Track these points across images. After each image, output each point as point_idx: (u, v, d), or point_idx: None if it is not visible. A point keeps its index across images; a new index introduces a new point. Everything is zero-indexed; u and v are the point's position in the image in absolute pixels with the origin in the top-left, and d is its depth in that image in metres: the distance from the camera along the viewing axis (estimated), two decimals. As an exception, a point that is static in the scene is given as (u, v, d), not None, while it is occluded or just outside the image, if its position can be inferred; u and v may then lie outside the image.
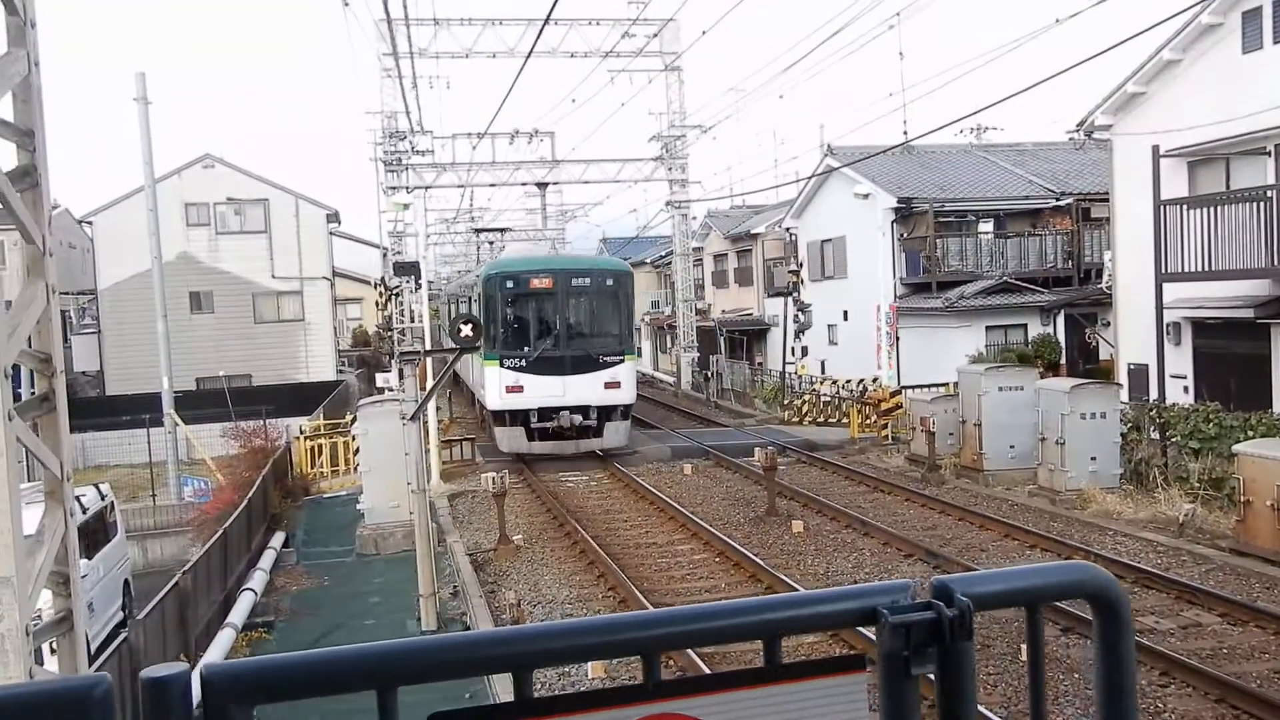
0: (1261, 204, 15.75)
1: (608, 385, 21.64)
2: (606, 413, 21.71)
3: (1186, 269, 16.85)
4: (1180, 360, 18.44)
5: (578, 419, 21.31)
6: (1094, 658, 1.45)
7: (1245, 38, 17.03)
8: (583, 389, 21.43)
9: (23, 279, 3.28)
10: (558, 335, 21.79)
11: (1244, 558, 12.19)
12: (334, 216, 38.07)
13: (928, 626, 1.30)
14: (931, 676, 1.33)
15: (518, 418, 21.59)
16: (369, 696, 1.21)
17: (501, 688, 8.78)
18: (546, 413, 21.32)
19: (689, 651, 9.29)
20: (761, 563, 13.07)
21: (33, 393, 3.52)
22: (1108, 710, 1.42)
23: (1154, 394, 17.74)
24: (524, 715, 1.23)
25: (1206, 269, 16.56)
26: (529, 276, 22.11)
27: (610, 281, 22.56)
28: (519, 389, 21.10)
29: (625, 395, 21.98)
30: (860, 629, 1.89)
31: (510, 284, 22.04)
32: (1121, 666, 1.42)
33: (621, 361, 21.98)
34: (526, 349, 21.43)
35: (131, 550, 17.70)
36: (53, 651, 7.42)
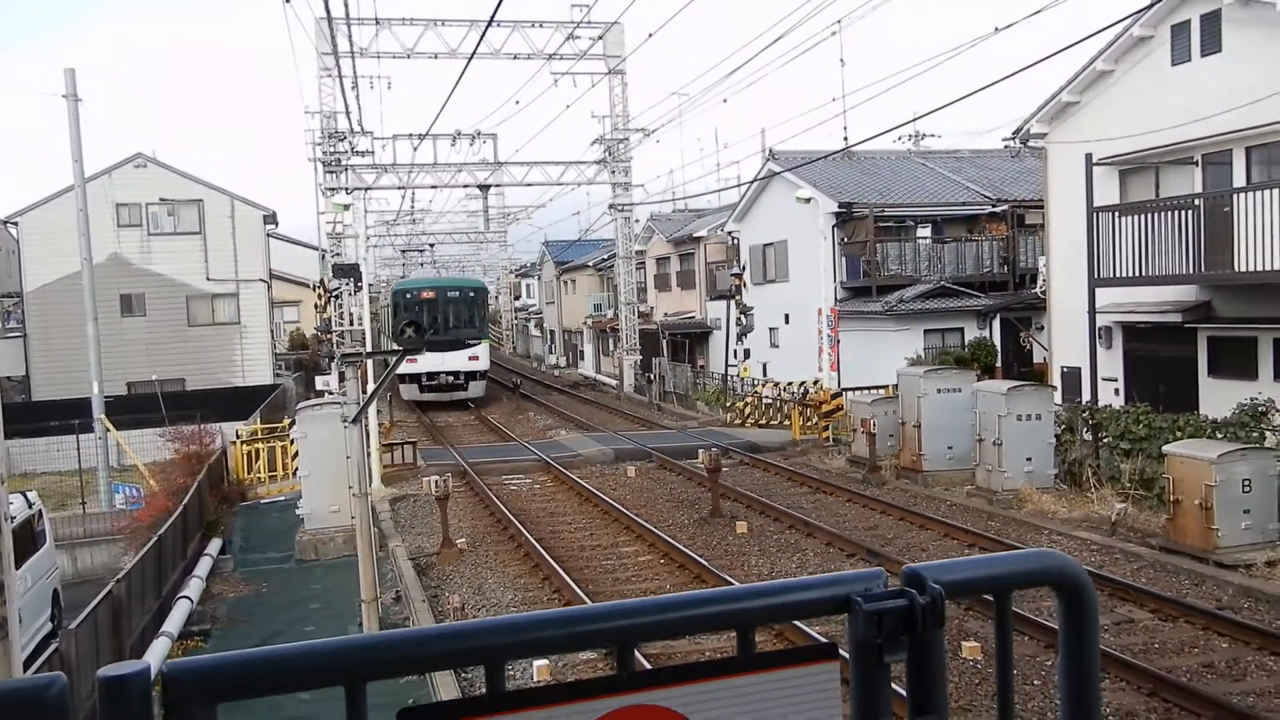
0: (1189, 212, 16.22)
1: (470, 358, 34.77)
2: (470, 375, 35.07)
3: (1118, 274, 17.27)
4: (1112, 363, 18.90)
5: (451, 379, 34.58)
6: (1059, 642, 1.47)
7: (1174, 50, 17.53)
8: (454, 360, 34.23)
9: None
10: (438, 327, 33.79)
11: (1173, 555, 12.52)
12: (271, 218, 37.41)
13: (900, 614, 1.31)
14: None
15: (415, 379, 34.38)
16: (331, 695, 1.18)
17: (445, 693, 8.68)
18: (432, 375, 34.17)
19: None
20: (706, 564, 13.12)
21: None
22: (1072, 693, 1.44)
23: (1087, 396, 18.17)
24: (496, 708, 1.20)
25: (1137, 274, 17.00)
26: (420, 291, 36.88)
27: (471, 294, 36.73)
28: (414, 360, 30.81)
29: (482, 365, 35.50)
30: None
31: (409, 296, 36.36)
32: (1087, 651, 1.44)
33: (479, 343, 35.32)
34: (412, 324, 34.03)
35: (61, 560, 17.19)
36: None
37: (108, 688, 1.10)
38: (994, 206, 29.13)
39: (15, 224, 34.82)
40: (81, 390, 25.71)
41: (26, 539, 14.00)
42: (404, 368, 29.50)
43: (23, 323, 35.03)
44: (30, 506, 14.68)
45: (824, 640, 1.44)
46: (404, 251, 53.01)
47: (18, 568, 12.69)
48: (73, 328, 28.49)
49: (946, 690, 1.38)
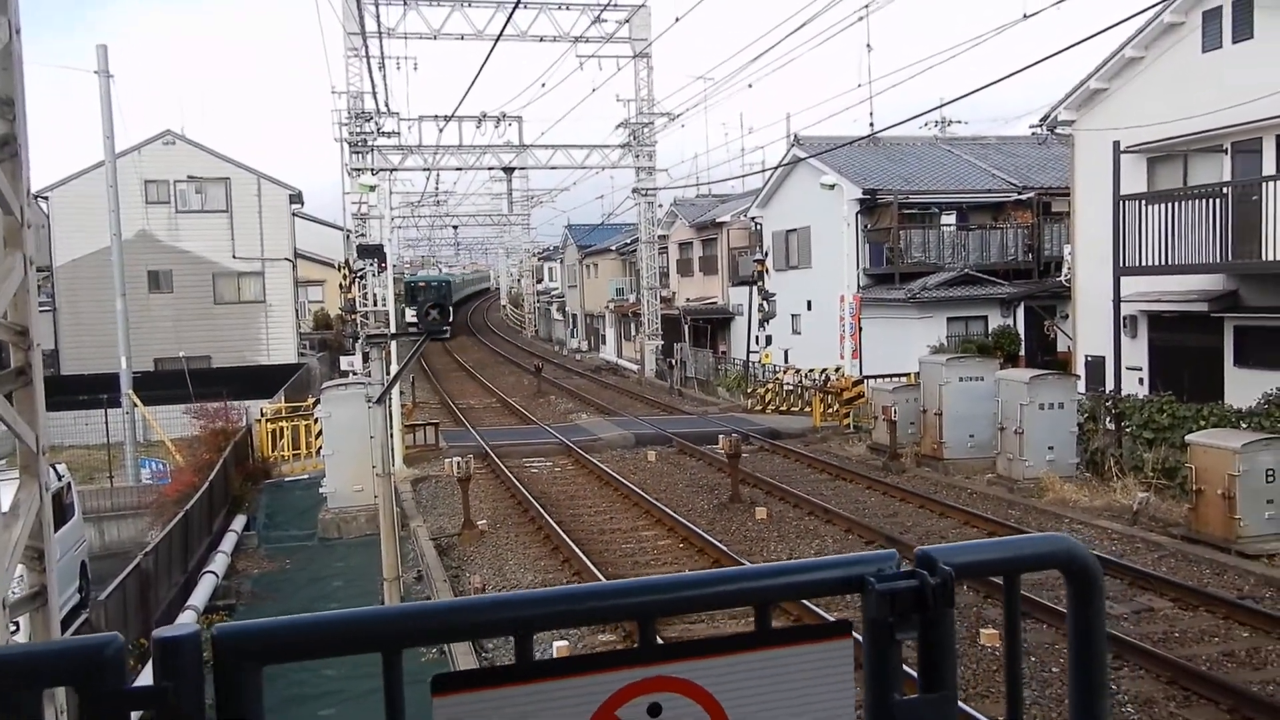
0: (1217, 200, 16.07)
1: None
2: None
3: (1144, 263, 17.15)
4: (1136, 352, 18.79)
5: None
6: (1068, 625, 1.51)
7: (1205, 37, 17.33)
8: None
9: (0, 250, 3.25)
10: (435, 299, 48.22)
11: (1195, 545, 12.49)
12: (297, 197, 37.62)
13: (911, 594, 1.36)
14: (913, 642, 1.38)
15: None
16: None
17: (463, 661, 8.80)
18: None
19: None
20: (725, 548, 13.19)
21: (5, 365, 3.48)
22: (1081, 673, 1.49)
23: (1110, 385, 18.07)
24: (525, 677, 1.27)
25: (1163, 263, 16.87)
26: (420, 282, 66.11)
27: (448, 283, 71.34)
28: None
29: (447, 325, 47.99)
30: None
31: (418, 283, 64.36)
32: (1094, 634, 1.49)
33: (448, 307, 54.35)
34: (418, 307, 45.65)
35: (88, 532, 17.47)
36: (15, 630, 7.33)
37: (162, 648, 1.17)
38: (1020, 194, 28.91)
39: (46, 199, 35.15)
40: (109, 365, 26.01)
41: (55, 511, 14.20)
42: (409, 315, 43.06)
43: (52, 297, 35.43)
44: (59, 479, 14.92)
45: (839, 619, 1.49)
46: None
47: (48, 540, 12.95)
48: (101, 303, 28.81)
49: (956, 668, 1.43)
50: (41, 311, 35.11)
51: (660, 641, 1.36)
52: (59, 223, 34.53)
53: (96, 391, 26.59)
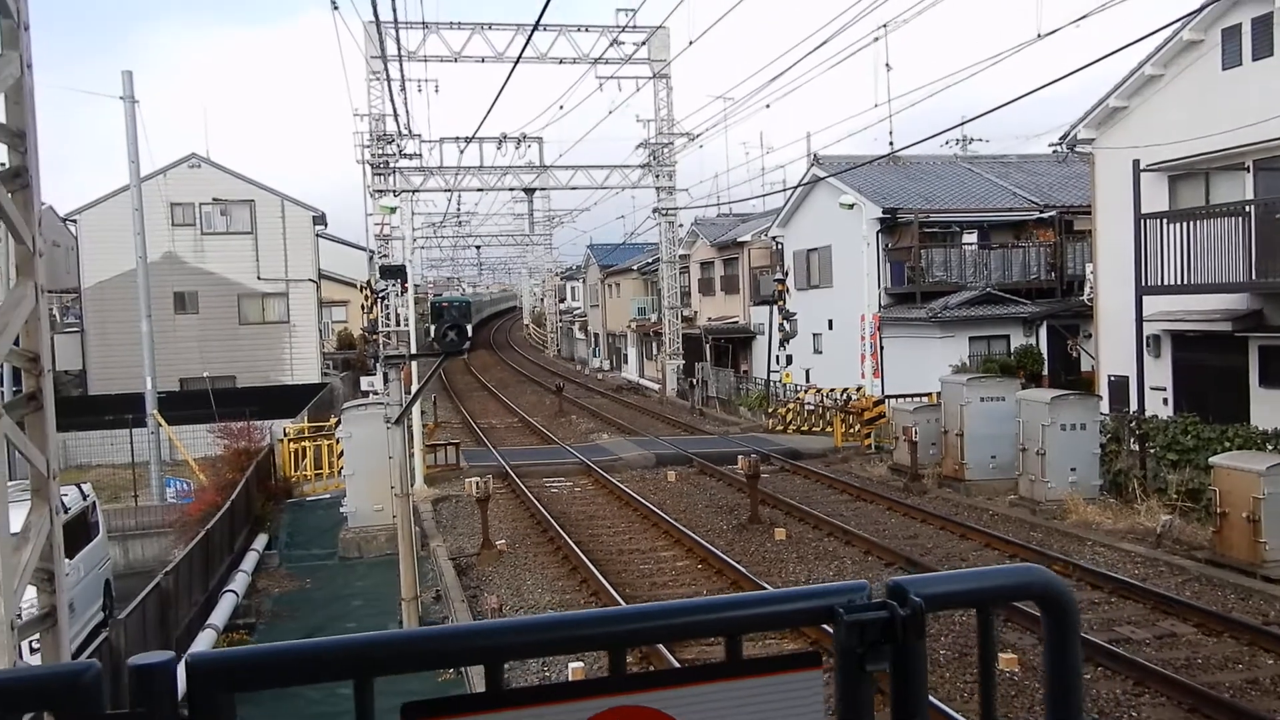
0: (1240, 218, 15.94)
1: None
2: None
3: (1166, 282, 17.02)
4: (1160, 372, 18.62)
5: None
6: (1044, 658, 1.52)
7: (1225, 55, 17.24)
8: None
9: (10, 278, 3.31)
10: (449, 319, 45.34)
11: (1220, 568, 12.33)
12: (320, 219, 38.01)
13: (881, 625, 1.37)
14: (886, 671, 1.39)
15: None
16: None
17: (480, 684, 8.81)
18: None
19: (659, 646, 9.36)
20: (744, 570, 13.14)
21: (16, 391, 3.54)
22: (1055, 705, 1.49)
23: (1134, 406, 17.90)
24: (495, 705, 1.29)
25: (1186, 282, 16.74)
26: (443, 302, 72.58)
27: (468, 304, 76.80)
28: None
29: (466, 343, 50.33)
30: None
31: (442, 304, 69.70)
32: (1069, 664, 1.49)
33: (468, 325, 52.86)
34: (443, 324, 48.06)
35: (113, 551, 17.63)
36: (33, 650, 7.42)
37: (137, 675, 1.20)
38: (1041, 212, 28.78)
39: (75, 221, 35.71)
40: (136, 385, 26.29)
41: (80, 530, 14.38)
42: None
43: (80, 318, 35.90)
44: (84, 498, 15.08)
45: (808, 650, 1.50)
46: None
47: (71, 558, 13.07)
48: (128, 324, 29.13)
49: (926, 699, 1.44)
50: (70, 332, 35.76)
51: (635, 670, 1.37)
52: (87, 245, 35.02)
53: (123, 411, 26.88)
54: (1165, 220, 17.22)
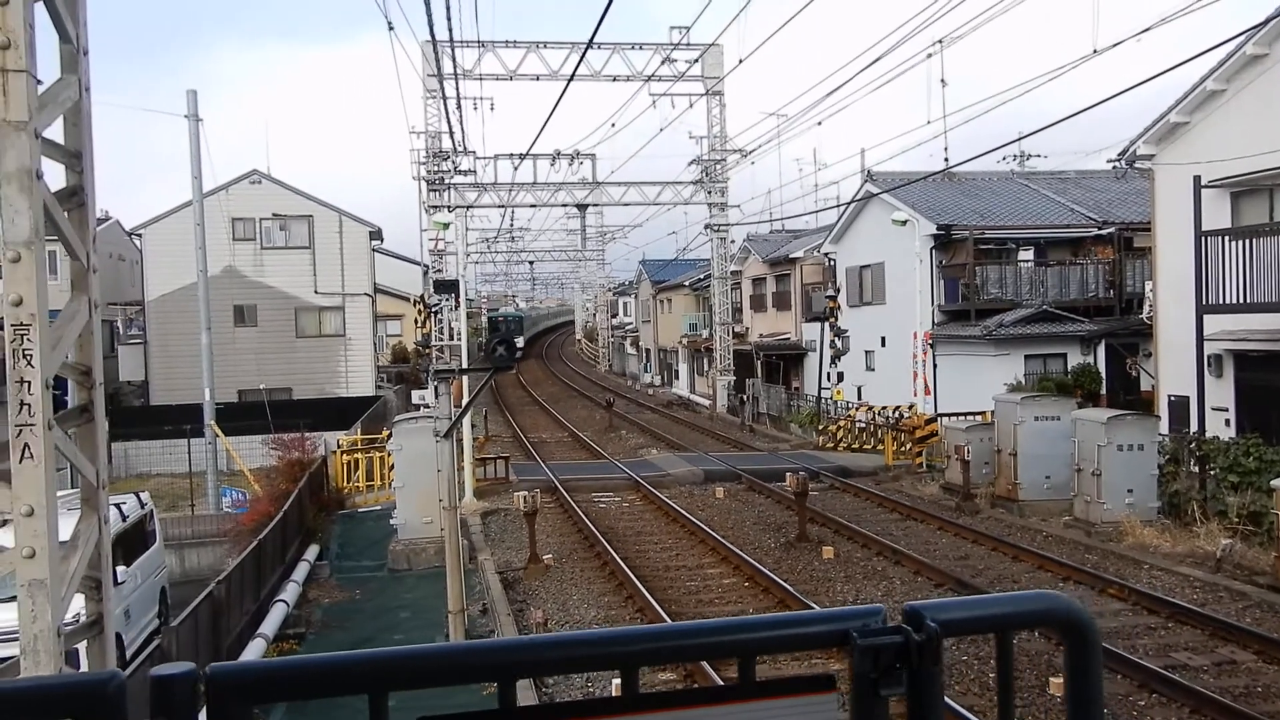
0: (1306, 237, 15.53)
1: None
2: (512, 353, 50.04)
3: (1228, 300, 16.63)
4: (1222, 393, 18.17)
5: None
6: (1065, 687, 1.49)
7: (1291, 69, 16.84)
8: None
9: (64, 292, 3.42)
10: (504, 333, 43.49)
11: (1283, 596, 11.97)
12: (376, 234, 38.57)
13: (896, 650, 1.36)
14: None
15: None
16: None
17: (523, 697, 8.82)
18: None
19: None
20: (790, 588, 13.04)
21: (65, 402, 3.65)
22: (1076, 736, 1.47)
23: (1194, 426, 17.48)
24: (507, 723, 1.30)
25: (1248, 301, 16.34)
26: (499, 316, 79.51)
27: (519, 318, 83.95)
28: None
29: (516, 357, 46.05)
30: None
31: (498, 318, 76.62)
32: (1091, 693, 1.47)
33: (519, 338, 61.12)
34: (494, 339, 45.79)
35: (169, 559, 17.98)
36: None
37: (157, 686, 1.23)
38: (1100, 229, 28.29)
39: (140, 236, 36.64)
40: (195, 396, 26.82)
41: (138, 537, 14.71)
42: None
43: (144, 330, 36.78)
44: (142, 506, 15.42)
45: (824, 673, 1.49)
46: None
47: (129, 565, 13.36)
48: (189, 336, 29.78)
49: (942, 725, 1.42)
50: (133, 344, 36.56)
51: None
52: (151, 259, 35.90)
53: (182, 422, 27.47)
54: (1227, 237, 16.84)
